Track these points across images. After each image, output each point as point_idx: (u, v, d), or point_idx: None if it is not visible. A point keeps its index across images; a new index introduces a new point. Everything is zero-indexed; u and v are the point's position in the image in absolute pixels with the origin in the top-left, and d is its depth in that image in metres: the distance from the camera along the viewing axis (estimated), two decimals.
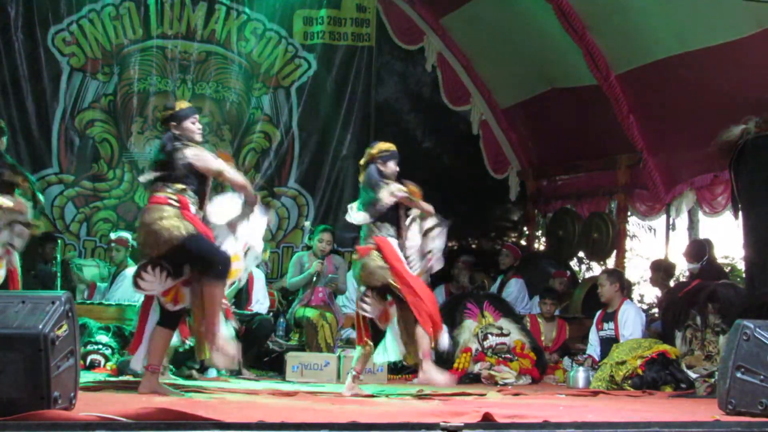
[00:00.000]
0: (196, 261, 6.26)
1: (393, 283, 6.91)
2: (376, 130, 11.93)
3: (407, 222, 7.30)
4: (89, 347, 8.47)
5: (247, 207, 6.72)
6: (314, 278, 9.28)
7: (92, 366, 8.41)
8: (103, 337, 8.62)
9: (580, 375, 8.59)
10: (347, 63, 11.85)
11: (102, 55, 11.13)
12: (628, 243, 12.90)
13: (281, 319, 9.79)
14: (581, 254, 12.82)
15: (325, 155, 11.69)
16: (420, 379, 7.07)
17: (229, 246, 6.59)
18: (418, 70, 12.82)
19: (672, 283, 10.17)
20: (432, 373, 6.94)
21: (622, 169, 10.75)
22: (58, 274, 9.31)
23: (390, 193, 7.10)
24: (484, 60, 11.97)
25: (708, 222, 11.27)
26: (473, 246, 14.32)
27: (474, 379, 8.97)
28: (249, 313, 9.05)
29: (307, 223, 10.66)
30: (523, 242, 13.46)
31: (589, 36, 9.97)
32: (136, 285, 6.29)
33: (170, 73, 11.27)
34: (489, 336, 9.30)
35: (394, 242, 7.09)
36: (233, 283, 6.91)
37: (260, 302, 9.27)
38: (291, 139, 11.59)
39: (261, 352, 9.31)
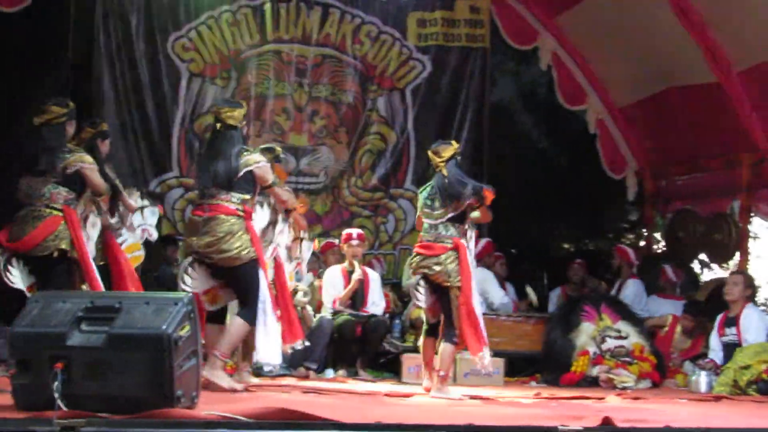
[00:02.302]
0: (241, 291, 6.58)
1: (457, 290, 6.99)
2: (491, 131, 11.88)
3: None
4: None
5: (273, 214, 7.25)
6: None
7: None
8: None
9: (703, 379, 8.40)
10: (461, 64, 11.81)
11: (220, 61, 11.32)
12: (752, 244, 12.54)
13: (397, 321, 9.83)
14: (702, 256, 12.53)
15: None
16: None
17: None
18: (532, 70, 12.72)
19: None
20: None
21: (744, 169, 10.46)
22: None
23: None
24: (600, 58, 11.79)
25: None
26: (590, 248, 14.15)
27: (592, 382, 8.84)
28: (365, 314, 9.10)
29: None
30: (641, 243, 13.23)
31: (709, 32, 9.75)
32: (182, 280, 6.58)
33: (287, 77, 11.41)
34: (607, 339, 9.16)
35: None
36: None
37: (376, 303, 9.29)
38: (406, 140, 11.60)
39: (377, 354, 9.35)
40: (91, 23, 10.96)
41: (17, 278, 6.52)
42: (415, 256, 7.30)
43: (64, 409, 4.05)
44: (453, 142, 7.56)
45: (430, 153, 7.43)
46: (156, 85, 11.11)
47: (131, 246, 7.65)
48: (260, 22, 11.34)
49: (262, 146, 7.85)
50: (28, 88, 10.72)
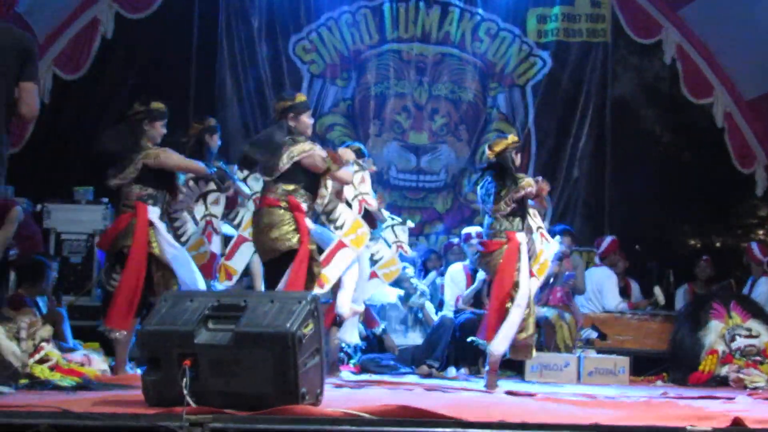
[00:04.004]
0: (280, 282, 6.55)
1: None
2: (613, 127, 11.73)
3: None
4: None
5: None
6: (552, 278, 9.18)
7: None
8: None
9: None
10: (582, 60, 11.70)
11: (340, 61, 11.44)
12: None
13: None
14: None
15: (561, 153, 11.57)
16: None
17: (347, 215, 7.17)
18: (655, 64, 12.46)
19: None
20: None
21: None
22: None
23: None
24: (726, 50, 11.51)
25: None
26: (717, 244, 13.80)
27: (721, 382, 8.62)
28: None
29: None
30: None
31: None
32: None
33: (407, 76, 11.46)
34: (737, 337, 8.92)
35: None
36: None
37: None
38: (527, 137, 11.52)
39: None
40: (214, 26, 11.20)
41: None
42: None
43: (193, 405, 4.14)
44: (510, 135, 7.53)
45: (486, 147, 7.42)
46: (278, 87, 11.27)
47: (197, 242, 7.49)
48: (379, 22, 11.43)
49: (347, 143, 7.93)
50: (152, 91, 10.97)
